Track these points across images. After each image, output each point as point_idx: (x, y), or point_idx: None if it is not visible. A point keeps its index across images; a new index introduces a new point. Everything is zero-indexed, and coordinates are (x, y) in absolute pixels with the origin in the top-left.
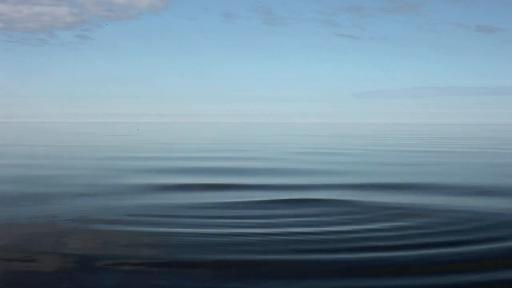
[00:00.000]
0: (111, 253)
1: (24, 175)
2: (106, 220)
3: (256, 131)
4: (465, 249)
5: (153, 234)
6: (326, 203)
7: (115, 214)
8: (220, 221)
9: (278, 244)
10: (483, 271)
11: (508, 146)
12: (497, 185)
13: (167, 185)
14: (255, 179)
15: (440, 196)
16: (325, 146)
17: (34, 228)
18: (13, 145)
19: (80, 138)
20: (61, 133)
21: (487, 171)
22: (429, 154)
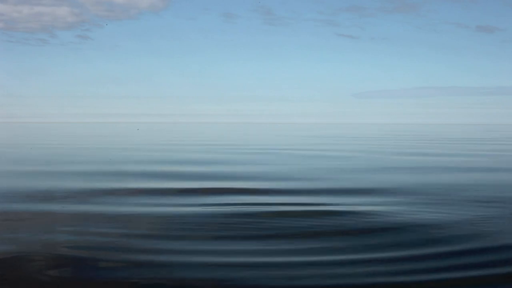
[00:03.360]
0: None
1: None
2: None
3: (256, 131)
4: None
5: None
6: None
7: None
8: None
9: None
10: None
11: None
12: None
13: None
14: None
15: None
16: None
17: None
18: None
19: (78, 139)
20: (57, 133)
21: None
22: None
